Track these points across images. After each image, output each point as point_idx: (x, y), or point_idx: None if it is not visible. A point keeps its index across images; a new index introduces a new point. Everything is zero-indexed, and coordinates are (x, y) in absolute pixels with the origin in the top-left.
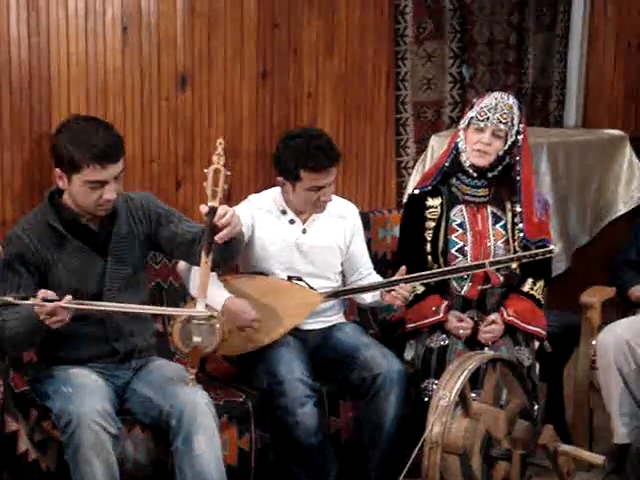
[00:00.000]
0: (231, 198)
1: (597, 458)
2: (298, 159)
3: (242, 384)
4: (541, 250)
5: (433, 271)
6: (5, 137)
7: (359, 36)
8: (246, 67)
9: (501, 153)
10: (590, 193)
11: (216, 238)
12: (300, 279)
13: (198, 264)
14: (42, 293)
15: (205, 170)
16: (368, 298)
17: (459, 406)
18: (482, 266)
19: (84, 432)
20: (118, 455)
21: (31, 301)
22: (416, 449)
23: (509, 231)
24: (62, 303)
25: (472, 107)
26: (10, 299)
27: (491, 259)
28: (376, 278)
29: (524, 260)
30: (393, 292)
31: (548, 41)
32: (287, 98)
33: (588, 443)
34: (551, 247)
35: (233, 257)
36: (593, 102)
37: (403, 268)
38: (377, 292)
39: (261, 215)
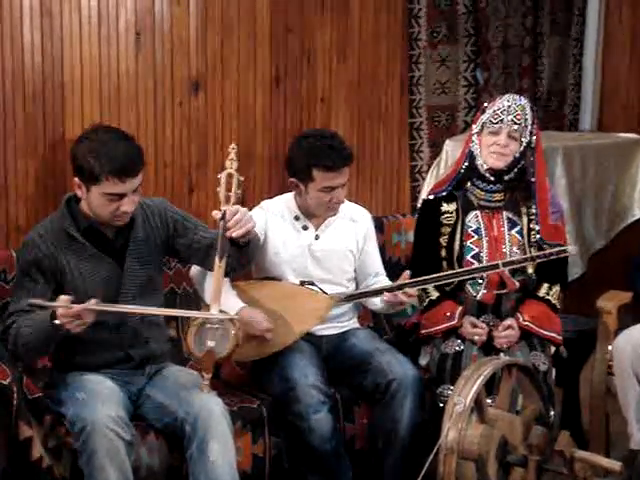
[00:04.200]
0: (245, 203)
1: (614, 464)
2: (311, 158)
3: (256, 390)
4: (555, 249)
5: (446, 273)
6: (19, 143)
7: (372, 40)
8: (259, 72)
9: (517, 155)
10: (606, 197)
11: (233, 235)
12: (312, 283)
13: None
14: (63, 300)
15: (218, 175)
16: (379, 303)
17: (475, 412)
18: (496, 267)
19: (98, 438)
20: (132, 461)
21: (57, 303)
22: (431, 455)
23: (525, 236)
24: (88, 306)
25: (484, 111)
26: (38, 302)
27: (505, 260)
28: (386, 282)
29: (538, 260)
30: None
31: (563, 44)
32: (300, 103)
33: (605, 449)
34: (566, 247)
35: (249, 261)
36: (608, 105)
37: (406, 273)
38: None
39: (274, 221)
